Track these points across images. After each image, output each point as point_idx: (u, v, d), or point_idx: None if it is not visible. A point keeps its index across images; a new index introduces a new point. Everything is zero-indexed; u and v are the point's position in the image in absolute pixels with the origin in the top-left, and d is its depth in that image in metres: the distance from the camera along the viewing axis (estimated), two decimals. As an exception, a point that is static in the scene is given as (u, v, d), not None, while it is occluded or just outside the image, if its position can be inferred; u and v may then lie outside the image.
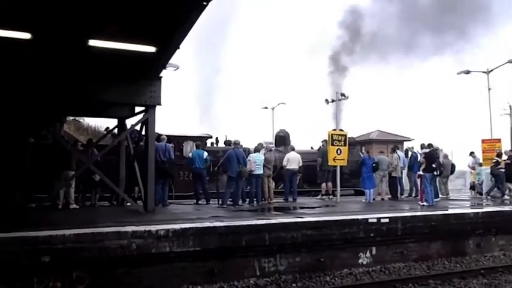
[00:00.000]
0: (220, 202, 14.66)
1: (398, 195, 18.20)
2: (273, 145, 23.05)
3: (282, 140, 22.30)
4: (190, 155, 15.78)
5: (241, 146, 16.18)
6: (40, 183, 13.96)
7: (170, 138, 16.21)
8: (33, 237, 7.81)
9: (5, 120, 13.05)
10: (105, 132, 18.60)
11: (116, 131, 15.61)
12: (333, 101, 17.96)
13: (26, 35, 9.51)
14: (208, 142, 20.52)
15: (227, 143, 21.34)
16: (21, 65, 10.83)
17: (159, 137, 14.43)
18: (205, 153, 15.59)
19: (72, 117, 29.32)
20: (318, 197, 18.28)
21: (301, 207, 14.29)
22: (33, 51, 10.37)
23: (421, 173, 15.86)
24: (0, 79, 10.60)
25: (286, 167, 16.80)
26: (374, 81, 79.17)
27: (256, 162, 15.02)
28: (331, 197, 17.89)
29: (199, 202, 15.43)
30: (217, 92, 51.79)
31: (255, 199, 15.41)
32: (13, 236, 7.74)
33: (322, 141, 18.75)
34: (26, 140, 14.50)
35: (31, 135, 14.77)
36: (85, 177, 14.06)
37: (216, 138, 21.42)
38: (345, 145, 16.56)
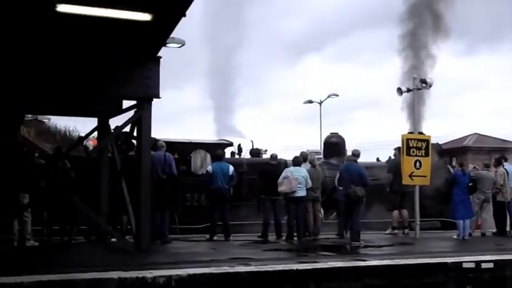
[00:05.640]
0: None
1: (508, 228, 17.85)
2: (321, 156, 22.98)
3: (335, 148, 22.23)
4: (209, 169, 15.85)
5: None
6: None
7: (171, 146, 16.30)
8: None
9: None
10: (80, 136, 18.80)
11: (95, 135, 15.75)
12: (408, 90, 17.76)
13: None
14: (228, 151, 20.60)
15: (254, 152, 21.36)
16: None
17: (155, 144, 14.51)
18: (231, 168, 15.78)
19: (32, 116, 29.79)
20: (388, 231, 18.10)
21: (363, 246, 14.21)
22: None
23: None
24: None
25: (341, 188, 16.70)
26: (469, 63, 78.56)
27: (297, 179, 15.01)
28: (406, 231, 17.70)
29: (215, 238, 15.48)
30: (239, 80, 51.55)
31: (295, 234, 15.42)
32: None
33: (394, 149, 18.59)
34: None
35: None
36: (53, 202, 14.21)
37: (239, 145, 21.50)
38: (426, 155, 16.42)
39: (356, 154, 15.78)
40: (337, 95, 43.30)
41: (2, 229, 13.77)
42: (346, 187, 14.94)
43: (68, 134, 39.53)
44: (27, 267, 9.46)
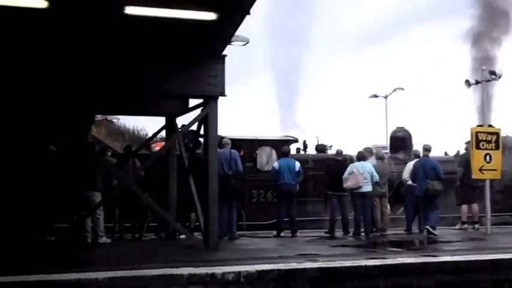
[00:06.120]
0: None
1: None
2: (387, 150, 22.73)
3: (401, 142, 21.97)
4: (275, 165, 15.89)
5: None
6: (62, 208, 14.51)
7: (237, 143, 16.37)
8: (55, 282, 8.15)
9: (14, 120, 13.65)
10: (149, 136, 19.09)
11: (163, 134, 15.93)
12: (477, 82, 17.39)
13: (42, 3, 9.99)
14: (293, 148, 20.59)
15: (320, 148, 21.29)
16: (34, 43, 11.35)
17: (220, 142, 14.62)
18: (298, 164, 15.76)
19: (101, 116, 30.43)
20: (457, 226, 17.80)
21: (433, 242, 14.05)
22: (50, 25, 10.85)
23: None
24: (5, 62, 11.11)
25: (408, 183, 16.49)
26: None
27: (363, 174, 14.91)
28: (477, 226, 17.35)
29: (282, 234, 15.50)
30: (304, 76, 51.30)
31: (362, 230, 15.34)
32: (28, 281, 8.10)
33: (465, 143, 18.29)
34: (45, 148, 15.04)
35: (50, 141, 15.33)
36: (124, 200, 14.48)
37: (304, 142, 21.49)
38: (497, 148, 16.06)
39: (428, 149, 15.61)
40: (403, 89, 42.60)
41: (76, 227, 14.14)
42: (421, 182, 14.79)
43: (136, 133, 40.29)
44: (100, 263, 9.67)
